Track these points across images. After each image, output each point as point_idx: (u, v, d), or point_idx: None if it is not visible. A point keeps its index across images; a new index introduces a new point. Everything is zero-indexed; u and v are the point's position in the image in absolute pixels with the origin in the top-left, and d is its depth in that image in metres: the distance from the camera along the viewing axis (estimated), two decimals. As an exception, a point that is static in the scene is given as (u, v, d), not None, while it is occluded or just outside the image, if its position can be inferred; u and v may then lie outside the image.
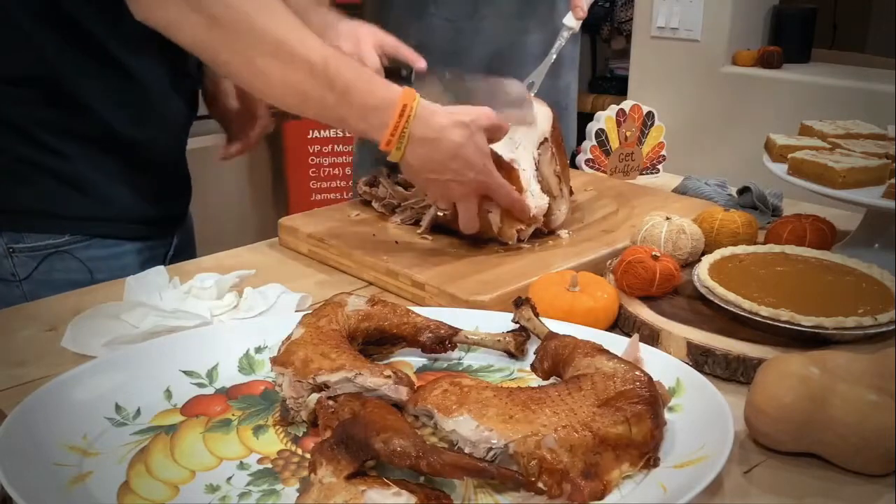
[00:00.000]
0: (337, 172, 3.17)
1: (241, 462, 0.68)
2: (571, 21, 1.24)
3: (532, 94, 1.18)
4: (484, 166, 0.96)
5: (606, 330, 0.86)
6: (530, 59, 1.35)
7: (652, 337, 0.86)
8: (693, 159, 2.44)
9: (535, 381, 0.79)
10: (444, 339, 0.82)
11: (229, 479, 0.65)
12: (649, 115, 1.47)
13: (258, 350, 0.83)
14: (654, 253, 0.92)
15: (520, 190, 1.03)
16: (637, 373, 0.70)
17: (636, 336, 0.81)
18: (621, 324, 0.91)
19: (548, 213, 1.08)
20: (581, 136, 1.49)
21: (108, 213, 1.11)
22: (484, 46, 1.34)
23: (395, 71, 1.15)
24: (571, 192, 1.15)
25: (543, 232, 1.09)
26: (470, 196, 0.98)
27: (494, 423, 0.65)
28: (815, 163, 1.03)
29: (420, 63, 1.15)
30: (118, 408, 0.73)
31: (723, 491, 0.65)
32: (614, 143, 1.45)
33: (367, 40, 1.14)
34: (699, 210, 1.12)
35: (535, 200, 1.05)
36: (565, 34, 1.25)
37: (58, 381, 0.73)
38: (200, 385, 0.78)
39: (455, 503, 0.61)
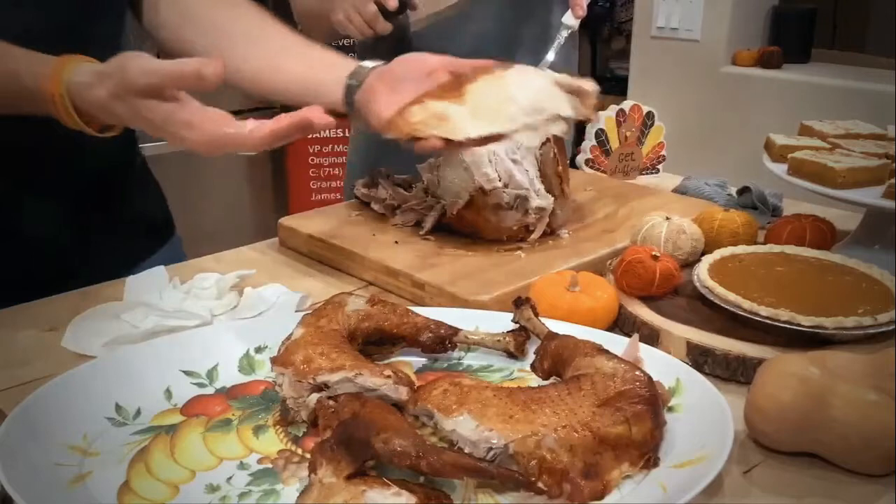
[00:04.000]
0: (337, 172, 3.17)
1: (242, 462, 0.68)
2: (570, 20, 1.24)
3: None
4: (163, 125, 0.80)
5: (606, 330, 0.86)
6: (522, 53, 1.34)
7: (652, 337, 0.86)
8: (693, 159, 2.44)
9: (535, 380, 0.79)
10: (444, 339, 0.82)
11: (229, 479, 0.65)
12: (649, 115, 1.47)
13: (258, 350, 0.83)
14: (653, 253, 0.92)
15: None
16: (637, 373, 0.70)
17: (636, 336, 0.81)
18: (621, 324, 0.91)
19: (550, 213, 1.08)
20: (581, 137, 1.49)
21: None
22: (472, 35, 1.34)
23: (389, 12, 1.26)
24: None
25: (545, 231, 1.09)
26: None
27: (494, 423, 0.65)
28: (815, 163, 1.03)
29: (391, 2, 1.23)
30: (118, 408, 0.73)
31: (723, 491, 0.65)
32: (614, 143, 1.45)
33: None
34: (699, 210, 1.12)
35: (539, 200, 1.05)
36: (564, 33, 1.25)
37: (58, 380, 0.73)
38: (200, 385, 0.78)
39: (455, 503, 0.61)
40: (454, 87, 0.88)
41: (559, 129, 0.88)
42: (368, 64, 0.99)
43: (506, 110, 0.84)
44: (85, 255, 1.10)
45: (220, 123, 0.80)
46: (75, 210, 1.10)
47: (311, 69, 1.03)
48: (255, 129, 0.80)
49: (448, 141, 0.83)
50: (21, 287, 1.01)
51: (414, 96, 0.90)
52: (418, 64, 0.96)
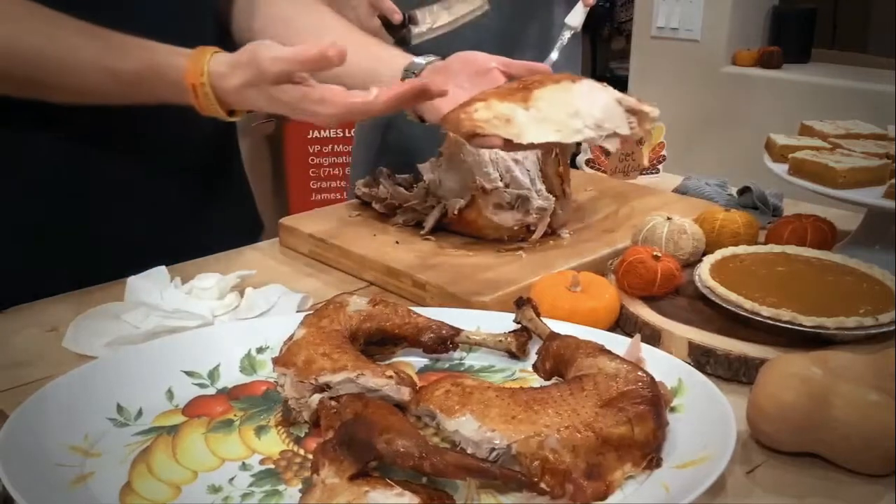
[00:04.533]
0: (337, 172, 3.17)
1: (244, 463, 0.68)
2: (573, 20, 1.24)
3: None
4: (299, 105, 0.87)
5: (608, 330, 0.86)
6: (527, 50, 1.35)
7: (653, 337, 0.86)
8: (693, 159, 2.44)
9: (537, 381, 0.79)
10: (446, 340, 0.82)
11: (231, 479, 0.65)
12: (650, 115, 1.46)
13: (260, 350, 0.83)
14: (655, 253, 0.92)
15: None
16: (639, 373, 0.70)
17: (638, 336, 0.81)
18: (623, 324, 0.91)
19: (551, 213, 1.08)
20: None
21: None
22: (476, 33, 1.35)
23: (392, 25, 1.27)
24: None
25: (546, 232, 1.09)
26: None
27: (497, 424, 0.65)
28: (816, 163, 1.03)
29: (396, 16, 1.24)
30: (120, 408, 0.73)
31: (725, 491, 0.65)
32: (615, 143, 1.44)
33: (363, 6, 1.21)
34: (700, 210, 1.12)
35: (540, 200, 1.05)
36: (566, 34, 1.25)
37: (59, 381, 0.73)
38: (202, 385, 0.78)
39: (458, 503, 0.61)
40: (521, 90, 0.89)
41: (613, 144, 0.91)
42: (423, 59, 1.03)
43: (571, 122, 0.88)
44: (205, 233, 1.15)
45: (347, 95, 0.86)
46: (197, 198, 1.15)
47: (370, 61, 1.06)
48: (380, 94, 0.86)
49: (508, 141, 0.85)
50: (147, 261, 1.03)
51: (469, 93, 0.93)
52: (474, 62, 1.01)
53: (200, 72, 0.88)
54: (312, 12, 1.13)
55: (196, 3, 1.09)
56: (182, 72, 0.89)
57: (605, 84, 0.94)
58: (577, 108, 0.88)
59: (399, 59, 1.05)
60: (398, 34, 1.29)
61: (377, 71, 1.04)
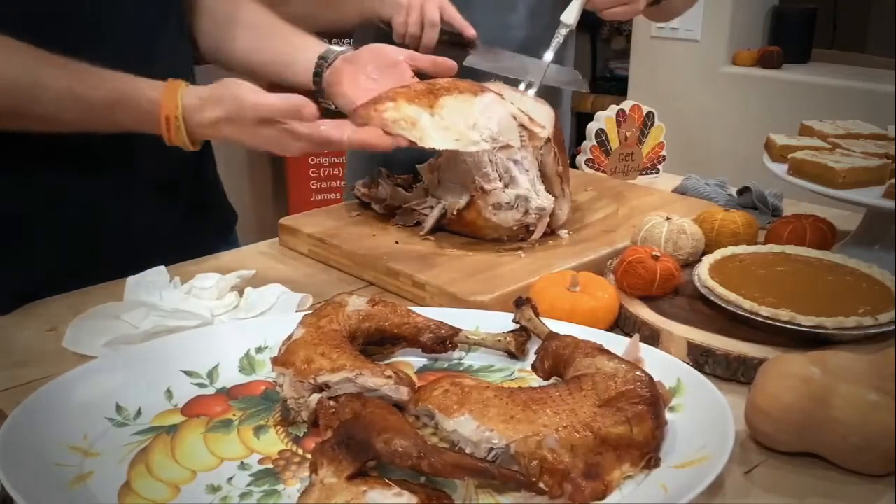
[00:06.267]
0: (337, 172, 3.17)
1: (242, 462, 0.68)
2: (568, 17, 1.24)
3: (532, 94, 1.18)
4: (276, 141, 0.91)
5: (607, 330, 0.86)
6: (522, 52, 1.34)
7: (652, 337, 0.86)
8: (693, 159, 2.45)
9: (535, 381, 0.79)
10: (445, 340, 0.82)
11: (230, 479, 0.65)
12: (649, 115, 1.47)
13: (259, 350, 0.83)
14: (654, 253, 0.92)
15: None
16: (638, 373, 0.70)
17: (637, 336, 0.81)
18: (622, 324, 0.91)
19: (550, 213, 1.08)
20: (581, 136, 1.49)
21: None
22: (501, 33, 1.35)
23: (454, 41, 1.22)
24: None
25: (545, 232, 1.09)
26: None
27: (495, 424, 0.65)
28: (816, 163, 1.03)
29: (470, 31, 1.21)
30: (119, 408, 0.73)
31: (723, 491, 0.65)
32: (614, 143, 1.45)
33: (433, 3, 1.18)
34: (699, 210, 1.12)
35: (540, 200, 1.05)
36: (562, 32, 1.25)
37: (58, 381, 0.73)
38: (201, 385, 0.78)
39: (456, 503, 0.61)
40: (428, 94, 0.99)
41: (504, 155, 1.03)
42: (337, 48, 1.09)
43: (469, 134, 0.99)
44: (173, 240, 1.15)
45: (320, 132, 0.90)
46: (166, 196, 1.15)
47: (287, 48, 1.11)
48: (352, 135, 0.92)
49: (412, 142, 0.94)
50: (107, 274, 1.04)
51: (378, 84, 1.01)
52: (384, 54, 1.07)
53: (175, 105, 0.90)
54: (241, 6, 1.18)
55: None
56: (156, 105, 0.91)
57: (504, 98, 1.05)
58: (476, 121, 1.00)
59: (314, 47, 1.10)
60: (451, 52, 1.23)
61: (293, 57, 1.11)
